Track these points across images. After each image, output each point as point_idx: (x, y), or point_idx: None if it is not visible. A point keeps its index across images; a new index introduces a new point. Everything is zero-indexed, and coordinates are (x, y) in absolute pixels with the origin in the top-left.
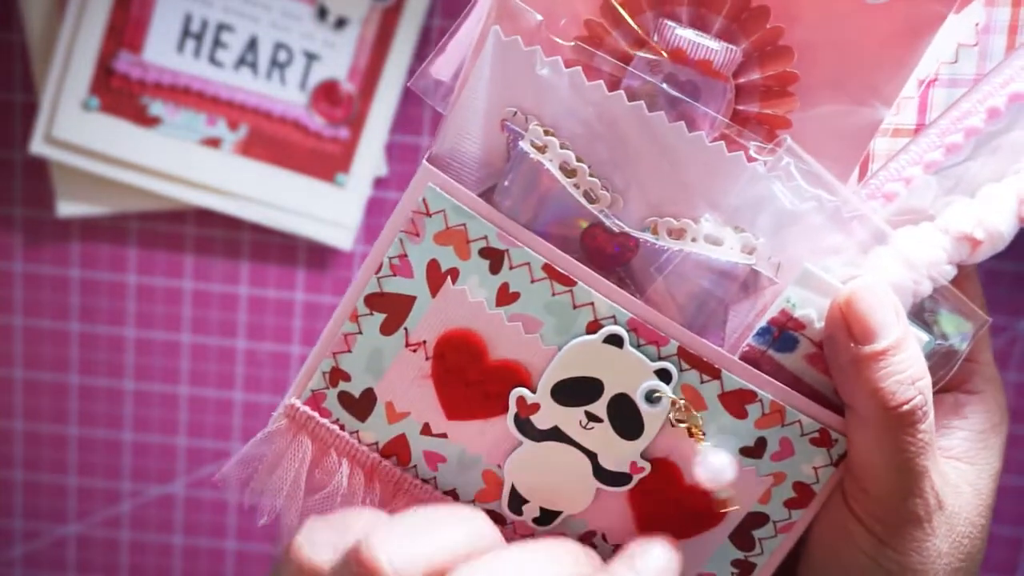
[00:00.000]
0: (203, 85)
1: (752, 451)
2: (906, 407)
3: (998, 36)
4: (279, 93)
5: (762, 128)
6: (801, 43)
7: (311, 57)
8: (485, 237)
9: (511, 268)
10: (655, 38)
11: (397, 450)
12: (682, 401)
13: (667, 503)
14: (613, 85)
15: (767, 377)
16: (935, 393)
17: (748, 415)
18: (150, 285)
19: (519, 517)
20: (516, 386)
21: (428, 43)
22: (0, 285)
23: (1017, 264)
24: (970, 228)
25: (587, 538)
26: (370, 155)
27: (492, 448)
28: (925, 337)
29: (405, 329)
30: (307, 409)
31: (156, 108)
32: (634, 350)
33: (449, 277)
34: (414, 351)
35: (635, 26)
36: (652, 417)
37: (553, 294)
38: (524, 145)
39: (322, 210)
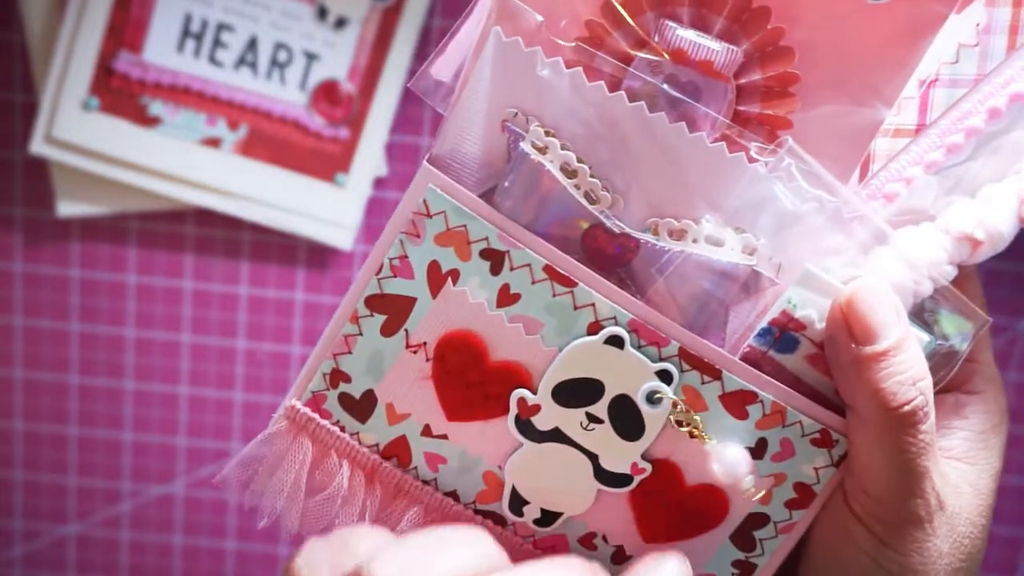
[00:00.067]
0: (203, 85)
1: (753, 452)
2: (907, 408)
3: (999, 36)
4: (279, 93)
5: (763, 129)
6: (802, 44)
7: (311, 57)
8: (486, 238)
9: (512, 269)
10: (656, 39)
11: (398, 451)
12: (682, 403)
13: (668, 504)
14: (614, 86)
15: (768, 378)
16: (935, 393)
17: (749, 416)
18: (150, 285)
19: (520, 518)
20: (517, 387)
21: (428, 43)
22: (0, 285)
23: (1017, 264)
24: (971, 228)
25: (588, 539)
26: (370, 155)
27: (493, 449)
28: (926, 337)
29: (406, 330)
30: (307, 410)
31: (156, 108)
32: (635, 351)
33: (450, 278)
34: (415, 352)
35: (636, 27)
36: (653, 418)
37: (554, 295)
38: (525, 146)
39: (322, 210)
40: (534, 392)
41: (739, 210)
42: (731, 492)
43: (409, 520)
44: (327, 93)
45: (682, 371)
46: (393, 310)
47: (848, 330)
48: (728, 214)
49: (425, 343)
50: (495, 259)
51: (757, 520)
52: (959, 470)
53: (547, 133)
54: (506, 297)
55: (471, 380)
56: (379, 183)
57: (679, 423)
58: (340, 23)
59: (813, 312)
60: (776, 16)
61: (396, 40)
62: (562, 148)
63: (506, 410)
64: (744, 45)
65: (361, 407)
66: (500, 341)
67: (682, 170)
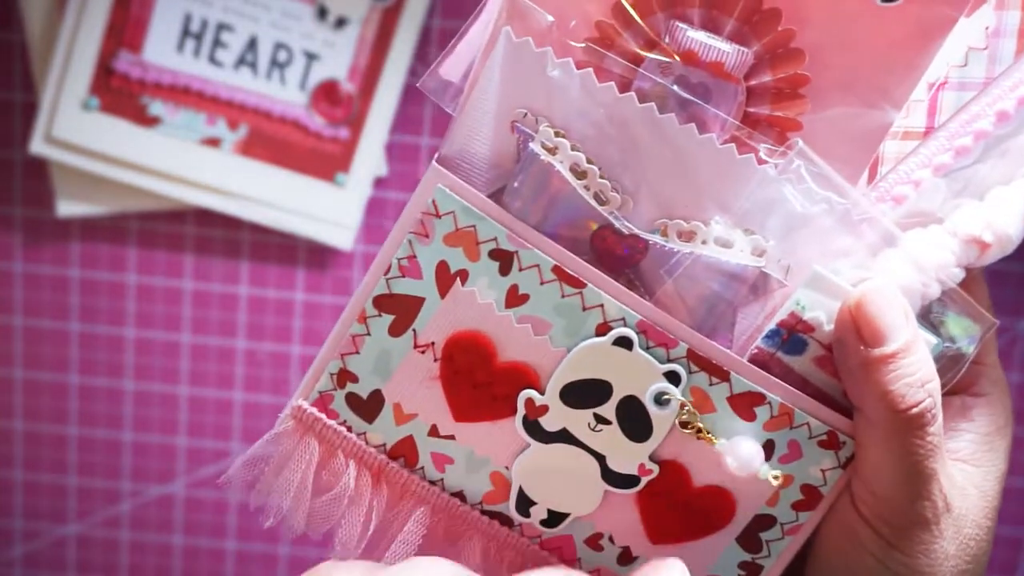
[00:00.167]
0: (203, 85)
1: None
2: (915, 410)
3: (1008, 40)
4: (279, 93)
5: (773, 130)
6: (812, 45)
7: (311, 57)
8: (495, 239)
9: (521, 270)
10: (666, 40)
11: (404, 452)
12: (690, 404)
13: (675, 505)
14: (624, 87)
15: (776, 380)
16: (942, 396)
17: (756, 417)
18: (150, 285)
19: (527, 519)
20: (525, 388)
21: (428, 43)
22: (0, 285)
23: (1019, 265)
24: (979, 231)
25: (594, 540)
26: (370, 155)
27: (500, 450)
28: (933, 340)
29: (413, 330)
30: (314, 410)
31: (156, 108)
32: (643, 352)
33: (458, 278)
34: (422, 352)
35: (646, 28)
36: (661, 419)
37: (563, 296)
38: (534, 146)
39: (322, 210)
40: (542, 393)
41: (748, 212)
42: (740, 493)
43: (416, 520)
44: (327, 93)
45: (690, 372)
46: (401, 310)
47: (857, 332)
48: (737, 216)
49: (433, 343)
50: (504, 259)
51: (764, 521)
52: (965, 472)
53: (557, 134)
54: (515, 298)
55: (479, 380)
56: (379, 183)
57: (685, 424)
58: (340, 23)
59: (821, 314)
60: (786, 18)
61: (396, 40)
62: (572, 149)
63: (514, 411)
64: (754, 47)
65: (368, 407)
66: (508, 342)
67: (692, 171)
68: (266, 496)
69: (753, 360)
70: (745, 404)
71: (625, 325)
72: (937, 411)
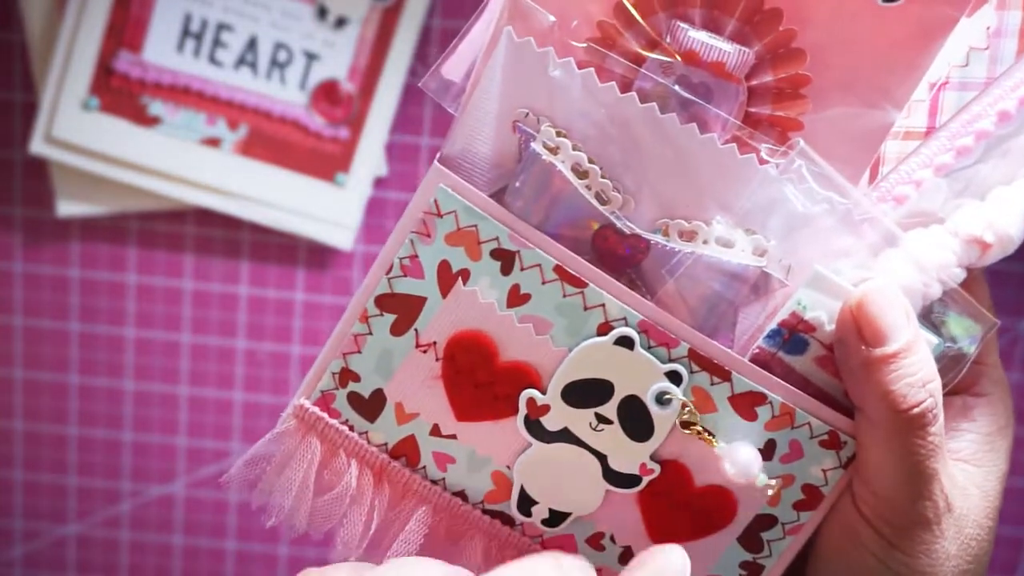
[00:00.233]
0: (203, 85)
1: (762, 453)
2: (916, 410)
3: (1009, 40)
4: (279, 93)
5: (774, 130)
6: (813, 45)
7: (311, 57)
8: (496, 238)
9: (522, 269)
10: (668, 40)
11: (406, 451)
12: (690, 405)
13: (677, 505)
14: (625, 87)
15: (777, 379)
16: (943, 396)
17: (758, 417)
18: (150, 285)
19: (528, 519)
20: (526, 387)
21: (428, 43)
22: (0, 285)
23: (1020, 265)
24: (980, 231)
25: (596, 539)
26: (370, 155)
27: (502, 449)
28: (935, 340)
29: (415, 330)
30: (316, 410)
31: (156, 108)
32: (645, 352)
33: (460, 278)
34: (424, 352)
35: (648, 28)
36: (662, 419)
37: (564, 296)
38: (536, 146)
39: (322, 210)
40: (543, 392)
41: (749, 211)
42: (741, 493)
43: (417, 520)
44: (327, 93)
45: (692, 372)
46: (403, 309)
47: (858, 332)
48: (738, 215)
49: (435, 343)
50: (505, 259)
51: (765, 521)
52: (967, 472)
53: (559, 134)
54: (516, 297)
55: (480, 380)
56: (379, 183)
57: (686, 424)
58: (340, 23)
59: (823, 314)
60: (788, 18)
61: (396, 40)
62: (573, 149)
63: (515, 410)
64: (756, 47)
65: (370, 406)
66: (510, 341)
67: (693, 171)
68: (268, 495)
69: (754, 360)
70: (746, 404)
71: (626, 325)
72: (938, 411)
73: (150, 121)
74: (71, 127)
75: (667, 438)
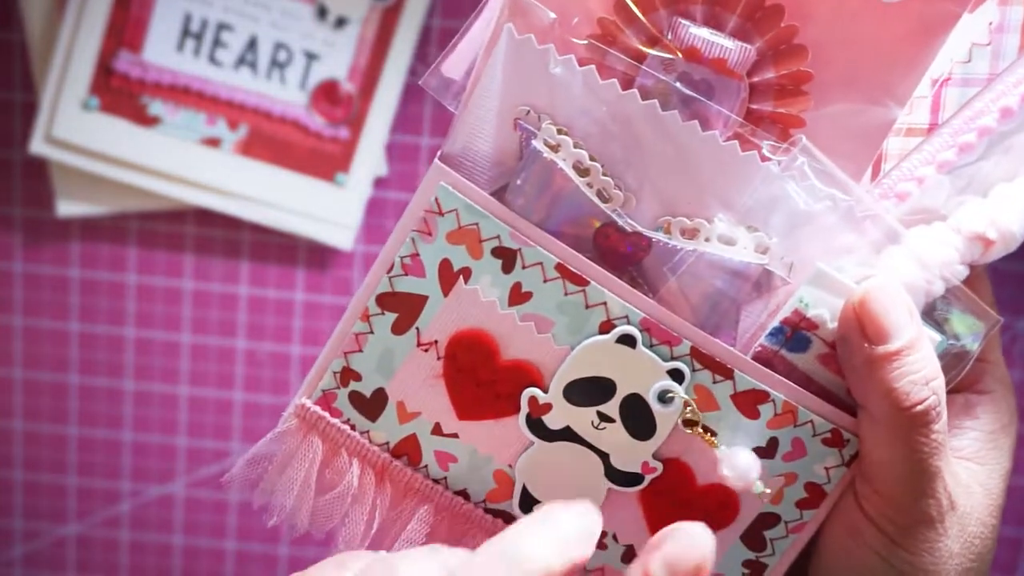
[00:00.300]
0: (203, 85)
1: (764, 451)
2: (920, 407)
3: (1011, 35)
4: (279, 93)
5: (776, 127)
6: (815, 42)
7: (311, 57)
8: (498, 236)
9: (524, 267)
10: (669, 36)
11: (408, 450)
12: (693, 403)
13: (679, 504)
14: (627, 84)
15: (779, 377)
16: (946, 393)
17: (760, 415)
18: (150, 285)
19: None
20: (528, 386)
21: (428, 43)
22: (0, 285)
23: (1020, 264)
24: (982, 228)
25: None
26: (370, 155)
27: (503, 448)
28: (938, 337)
29: (417, 328)
30: (318, 409)
31: (156, 108)
32: (647, 350)
33: (461, 276)
34: (425, 351)
35: (649, 24)
36: (664, 417)
37: (566, 294)
38: (537, 144)
39: (322, 210)
40: (545, 391)
41: (752, 209)
42: (742, 493)
43: (419, 519)
44: (327, 93)
45: (694, 370)
46: (404, 308)
47: (861, 330)
48: (740, 213)
49: (436, 341)
50: (507, 257)
51: (768, 520)
52: (970, 470)
53: (559, 131)
54: (518, 295)
55: (482, 379)
56: (379, 183)
57: (688, 423)
58: (340, 23)
59: (825, 311)
60: (789, 14)
61: (396, 40)
62: (575, 146)
63: (517, 409)
64: (757, 43)
65: (372, 405)
66: (511, 340)
67: (694, 168)
68: (269, 495)
69: (757, 358)
70: (749, 402)
71: (628, 323)
72: (941, 409)
73: (150, 121)
74: (71, 127)
75: (669, 436)
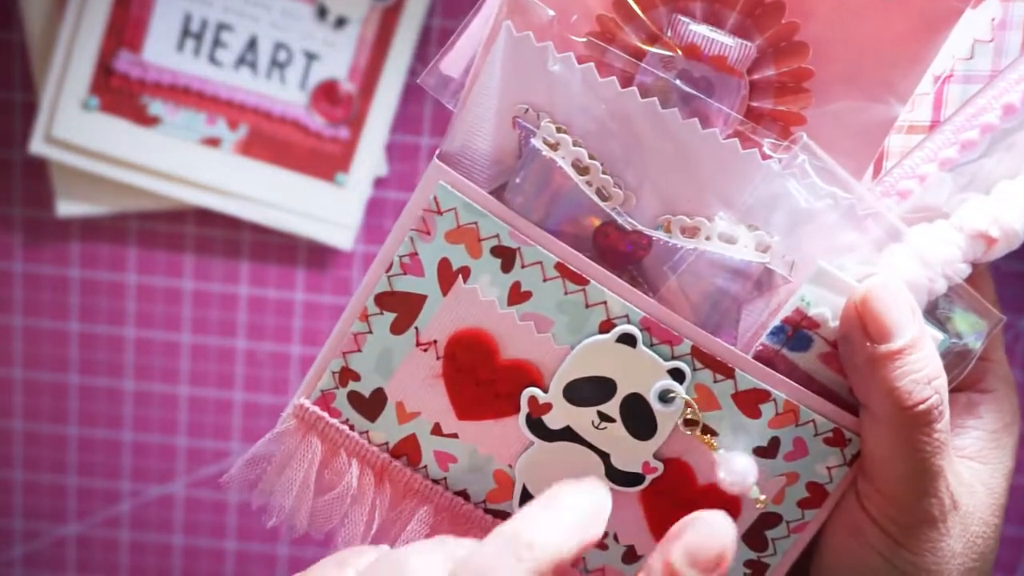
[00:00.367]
0: (203, 85)
1: (765, 451)
2: (922, 407)
3: (1014, 32)
4: (279, 93)
5: (776, 125)
6: (816, 39)
7: (311, 57)
8: (497, 235)
9: (523, 267)
10: (668, 34)
11: (407, 450)
12: (693, 406)
13: (680, 503)
14: (626, 81)
15: (781, 377)
16: (948, 392)
17: (762, 415)
18: (150, 285)
19: None
20: (528, 386)
21: (428, 43)
22: (0, 285)
23: (1020, 264)
24: (985, 226)
25: None
26: (370, 155)
27: (503, 448)
28: (940, 336)
29: (415, 328)
30: (316, 409)
31: (156, 108)
32: (647, 349)
33: (460, 276)
34: (425, 350)
35: (648, 21)
36: (665, 417)
37: (565, 293)
38: (536, 142)
39: (322, 210)
40: (545, 391)
41: (752, 207)
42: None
43: (419, 519)
44: (327, 93)
45: (695, 370)
46: (403, 308)
47: (863, 328)
48: (741, 211)
49: (435, 341)
50: (506, 256)
51: (769, 520)
52: (972, 469)
53: (559, 129)
54: (517, 295)
55: (481, 378)
56: (379, 183)
57: (689, 424)
58: (340, 23)
59: (827, 310)
60: (790, 11)
61: (396, 40)
62: (574, 144)
63: (517, 409)
64: (757, 40)
65: (371, 406)
66: (511, 339)
67: (695, 167)
68: (268, 496)
69: (758, 357)
70: (750, 401)
71: (628, 322)
72: (944, 408)
73: (150, 121)
74: (71, 127)
75: (670, 436)
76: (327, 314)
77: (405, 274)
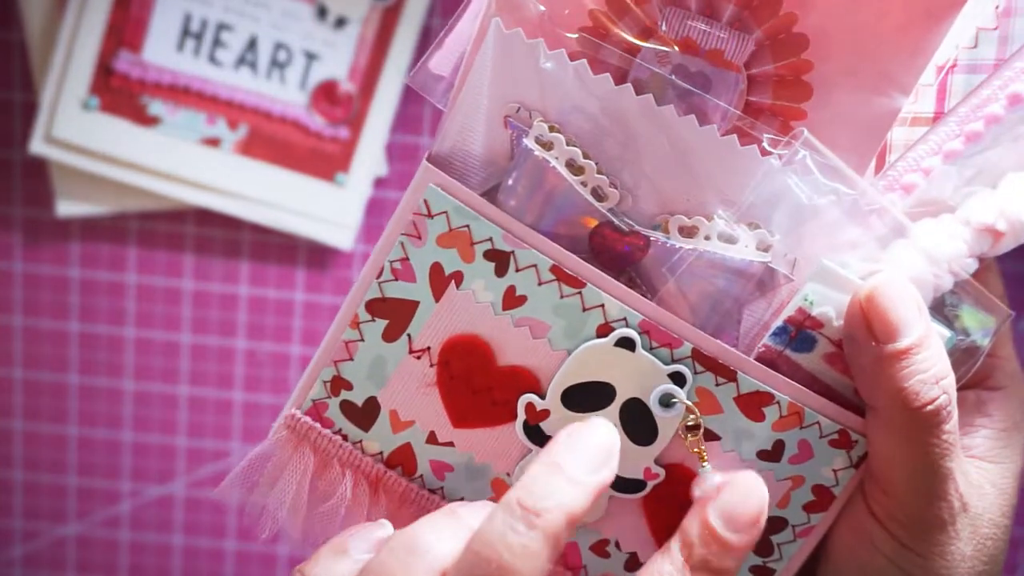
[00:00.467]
0: (203, 85)
1: (769, 454)
2: (930, 407)
3: (1019, 19)
4: (279, 93)
5: (776, 120)
6: (815, 30)
7: (311, 57)
8: (490, 239)
9: (517, 270)
10: (663, 28)
11: (403, 460)
12: (695, 412)
13: (682, 509)
14: (620, 78)
15: (784, 378)
16: (956, 391)
17: (765, 417)
18: (150, 285)
19: None
20: (525, 392)
21: (428, 43)
22: (0, 285)
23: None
24: (992, 219)
25: (600, 546)
26: (370, 155)
27: (501, 456)
28: (947, 333)
29: (408, 335)
30: (308, 419)
31: (156, 108)
32: (646, 353)
33: (453, 281)
34: (418, 358)
35: (642, 15)
36: (666, 422)
37: (561, 296)
38: (528, 142)
39: (322, 210)
40: (543, 397)
41: (753, 205)
42: None
43: None
44: (327, 93)
45: (696, 373)
46: (395, 314)
47: (868, 327)
48: (741, 209)
49: (429, 348)
50: (500, 260)
51: (775, 524)
52: (982, 469)
53: (551, 128)
54: (512, 299)
55: (477, 385)
56: (379, 183)
57: (691, 429)
58: (340, 23)
59: (830, 309)
60: (788, 2)
61: (396, 40)
62: (567, 144)
63: (514, 416)
64: (755, 33)
65: (364, 415)
66: (507, 345)
67: (692, 164)
68: (261, 508)
69: (760, 358)
70: (753, 404)
71: (627, 325)
72: (952, 408)
73: (150, 121)
74: (71, 127)
75: (671, 441)
76: (327, 314)
77: (396, 280)
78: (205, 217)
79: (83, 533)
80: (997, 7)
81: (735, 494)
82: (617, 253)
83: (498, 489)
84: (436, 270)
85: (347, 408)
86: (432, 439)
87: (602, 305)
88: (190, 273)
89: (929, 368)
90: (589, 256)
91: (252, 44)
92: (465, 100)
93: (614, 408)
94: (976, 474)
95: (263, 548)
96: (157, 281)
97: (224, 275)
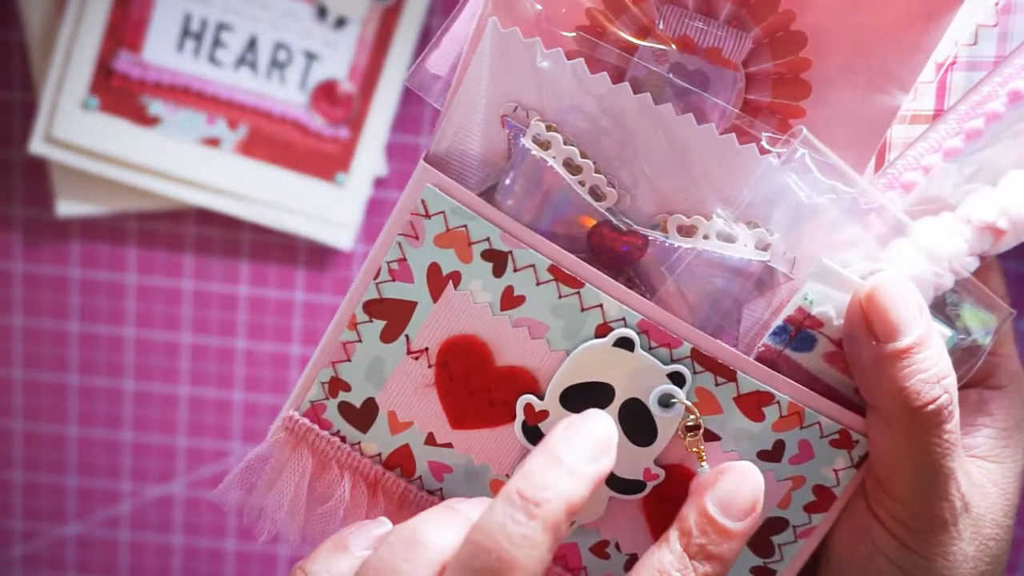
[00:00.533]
0: (203, 85)
1: (770, 455)
2: (932, 407)
3: (1019, 16)
4: (279, 93)
5: (774, 118)
6: (813, 28)
7: (311, 57)
8: (487, 239)
9: (515, 270)
10: (661, 26)
11: (401, 461)
12: (694, 412)
13: None
14: (618, 76)
15: (784, 378)
16: (958, 390)
17: (765, 417)
18: (150, 285)
19: None
20: (523, 393)
21: (428, 43)
22: (0, 285)
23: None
24: (993, 217)
25: (600, 548)
26: (370, 155)
27: (500, 457)
28: (948, 332)
29: (406, 336)
30: (306, 421)
31: (156, 108)
32: (646, 353)
33: (451, 281)
34: (416, 359)
35: (639, 14)
36: (665, 422)
37: (560, 296)
38: (526, 141)
39: (322, 210)
40: (541, 397)
41: (752, 204)
42: None
43: None
44: (327, 93)
45: (695, 373)
46: (393, 315)
47: (868, 327)
48: (740, 208)
49: (427, 349)
50: (498, 260)
51: (775, 525)
52: (984, 469)
53: (549, 128)
54: (510, 299)
55: (475, 386)
56: (379, 183)
57: (691, 429)
58: (340, 23)
59: (830, 308)
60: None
61: (396, 40)
62: (565, 143)
63: (512, 416)
64: (753, 31)
65: (362, 416)
66: (505, 345)
67: (691, 163)
68: (259, 512)
69: (760, 358)
70: (753, 404)
71: (626, 325)
72: (954, 407)
73: (150, 121)
74: (71, 127)
75: (671, 441)
76: (327, 314)
77: (394, 280)
78: (205, 217)
79: (83, 533)
80: (997, 4)
81: (731, 482)
82: (616, 252)
83: (497, 491)
84: (434, 270)
85: (345, 409)
86: (431, 440)
87: (601, 305)
88: (190, 273)
89: (930, 367)
90: (587, 256)
91: (252, 44)
92: (462, 100)
93: (613, 408)
94: (978, 474)
95: (263, 548)
96: (157, 281)
97: (224, 275)
